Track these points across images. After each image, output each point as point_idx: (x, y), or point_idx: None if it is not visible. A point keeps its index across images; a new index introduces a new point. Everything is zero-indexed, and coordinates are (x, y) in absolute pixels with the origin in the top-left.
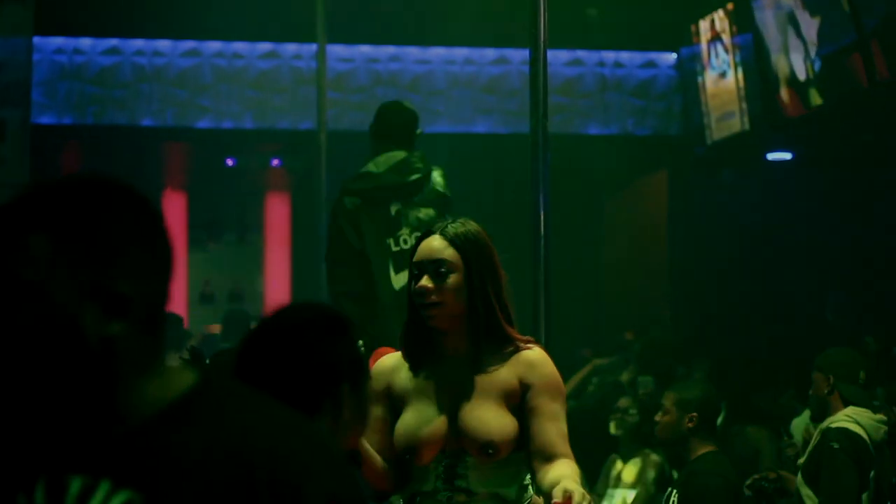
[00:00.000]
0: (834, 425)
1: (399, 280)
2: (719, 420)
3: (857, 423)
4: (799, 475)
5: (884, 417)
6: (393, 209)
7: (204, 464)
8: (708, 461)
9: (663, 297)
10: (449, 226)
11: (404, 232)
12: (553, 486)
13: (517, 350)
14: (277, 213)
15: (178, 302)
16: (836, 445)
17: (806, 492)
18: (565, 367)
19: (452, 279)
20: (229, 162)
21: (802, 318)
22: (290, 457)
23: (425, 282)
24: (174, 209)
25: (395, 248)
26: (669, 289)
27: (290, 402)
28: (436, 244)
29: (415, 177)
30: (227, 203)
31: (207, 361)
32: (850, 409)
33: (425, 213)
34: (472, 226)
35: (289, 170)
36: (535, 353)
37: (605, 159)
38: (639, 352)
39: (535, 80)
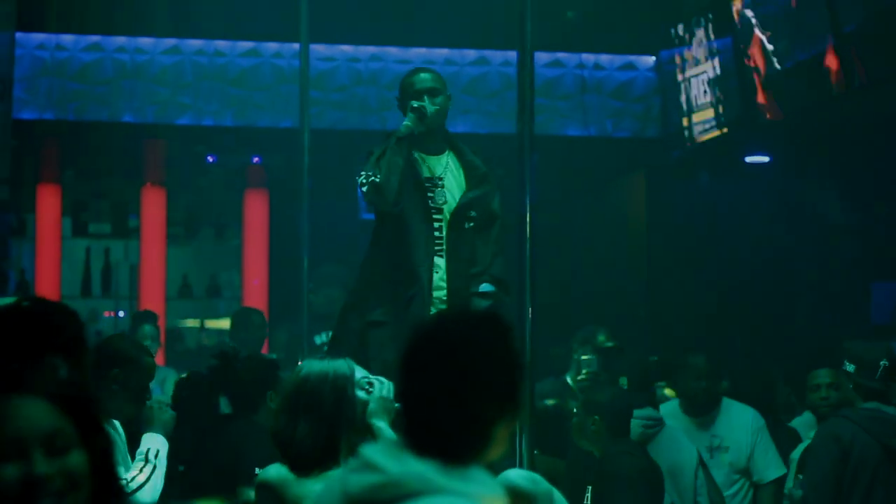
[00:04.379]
0: None
1: None
2: None
3: None
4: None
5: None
6: None
7: None
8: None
9: (641, 298)
10: None
11: None
12: None
13: None
14: (255, 210)
15: (157, 296)
16: None
17: None
18: (542, 366)
19: None
20: (210, 159)
21: (776, 319)
22: None
23: None
24: (153, 205)
25: None
26: (647, 289)
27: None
28: None
29: None
30: (206, 199)
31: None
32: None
33: None
34: None
35: (268, 167)
36: None
37: (584, 160)
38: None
39: (522, 83)
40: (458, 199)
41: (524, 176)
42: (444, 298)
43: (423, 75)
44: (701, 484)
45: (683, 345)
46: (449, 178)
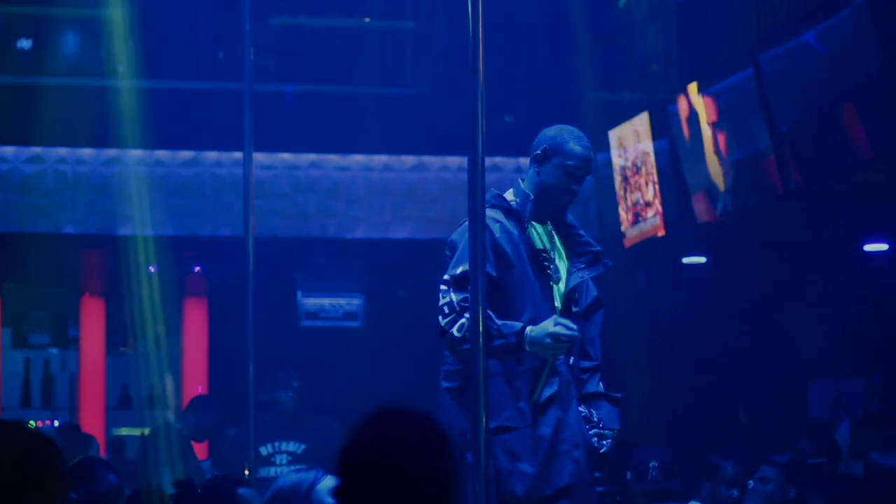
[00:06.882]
0: None
1: None
2: None
3: None
4: None
5: None
6: None
7: None
8: None
9: None
10: None
11: None
12: None
13: None
14: (195, 318)
15: (97, 406)
16: None
17: None
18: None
19: None
20: (151, 269)
21: (716, 418)
22: None
23: None
24: (93, 315)
25: None
26: None
27: None
28: None
29: None
30: (146, 309)
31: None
32: None
33: None
34: None
35: (207, 275)
36: None
37: None
38: None
39: (474, 189)
40: (565, 279)
41: (477, 284)
42: None
43: (591, 155)
44: None
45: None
46: (553, 252)
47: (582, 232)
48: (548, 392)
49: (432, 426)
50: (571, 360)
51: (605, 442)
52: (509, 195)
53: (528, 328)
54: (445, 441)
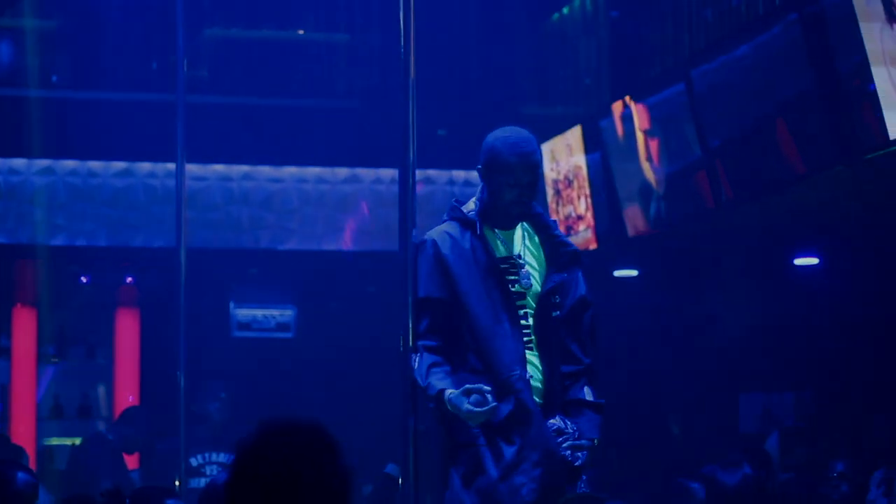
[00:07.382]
0: None
1: None
2: None
3: None
4: None
5: None
6: None
7: None
8: None
9: None
10: None
11: None
12: None
13: None
14: (126, 328)
15: (28, 416)
16: None
17: None
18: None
19: None
20: (83, 279)
21: (649, 430)
22: None
23: None
24: (24, 325)
25: None
26: None
27: None
28: None
29: None
30: (77, 319)
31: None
32: None
33: None
34: None
35: (140, 286)
36: None
37: None
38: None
39: (405, 202)
40: (541, 282)
41: (407, 296)
42: (541, 403)
43: (533, 159)
44: None
45: None
46: (528, 256)
47: (558, 232)
48: (505, 410)
49: (319, 438)
50: (528, 374)
51: (579, 454)
52: (470, 205)
53: (448, 392)
54: (332, 454)
